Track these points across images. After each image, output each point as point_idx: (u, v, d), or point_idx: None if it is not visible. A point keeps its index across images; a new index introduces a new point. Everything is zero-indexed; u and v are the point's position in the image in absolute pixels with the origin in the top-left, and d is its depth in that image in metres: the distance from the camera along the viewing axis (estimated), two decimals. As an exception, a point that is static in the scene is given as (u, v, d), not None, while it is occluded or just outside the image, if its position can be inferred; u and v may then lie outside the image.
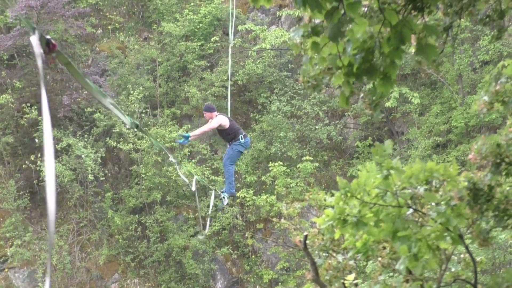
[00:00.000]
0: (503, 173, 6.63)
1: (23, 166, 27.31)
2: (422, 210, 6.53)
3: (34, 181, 27.32)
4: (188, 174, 15.77)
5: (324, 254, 9.02)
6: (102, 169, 27.64)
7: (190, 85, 29.68)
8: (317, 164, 27.65)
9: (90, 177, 26.72)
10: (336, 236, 6.78)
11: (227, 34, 31.11)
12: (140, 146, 27.47)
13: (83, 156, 26.81)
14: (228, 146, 16.65)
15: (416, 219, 6.52)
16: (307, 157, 27.28)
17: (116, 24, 32.22)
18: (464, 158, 23.95)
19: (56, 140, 27.13)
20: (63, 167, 26.66)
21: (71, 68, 4.15)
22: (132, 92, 28.26)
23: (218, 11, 31.18)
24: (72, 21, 28.91)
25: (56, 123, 27.83)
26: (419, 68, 28.58)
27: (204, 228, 18.93)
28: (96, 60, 30.58)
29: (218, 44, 30.76)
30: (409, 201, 6.44)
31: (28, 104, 27.39)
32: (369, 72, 4.94)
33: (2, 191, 27.20)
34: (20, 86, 27.99)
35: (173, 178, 27.28)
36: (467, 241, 7.51)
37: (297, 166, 27.46)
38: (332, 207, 6.54)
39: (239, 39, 30.21)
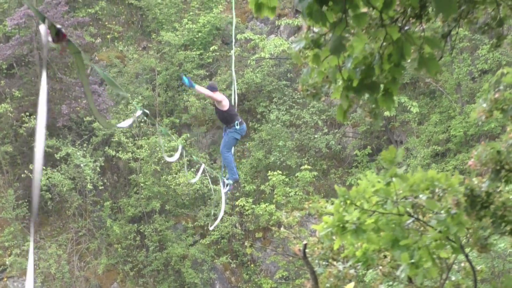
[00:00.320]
0: (503, 180, 6.63)
1: (22, 175, 27.28)
2: (423, 218, 6.53)
3: (33, 190, 27.25)
4: (195, 161, 15.86)
5: (324, 263, 9.02)
6: (101, 178, 27.64)
7: (189, 95, 29.70)
8: (316, 173, 27.64)
9: (89, 186, 26.73)
10: (335, 246, 6.79)
11: (226, 44, 31.19)
12: (139, 155, 27.47)
13: (82, 165, 26.81)
14: (224, 132, 16.66)
15: (417, 227, 6.52)
16: (306, 166, 27.28)
17: (115, 34, 32.26)
18: (463, 167, 23.94)
19: (55, 149, 27.16)
20: (62, 176, 26.66)
21: (79, 59, 4.20)
22: (131, 101, 28.26)
23: (217, 21, 31.21)
24: (71, 30, 28.94)
25: (55, 132, 27.86)
26: (418, 77, 28.62)
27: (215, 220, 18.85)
28: (95, 70, 30.53)
29: (217, 53, 30.80)
30: (410, 210, 6.44)
31: (27, 113, 27.42)
32: (370, 88, 4.94)
33: (1, 200, 27.17)
34: (19, 95, 28.00)
35: (172, 187, 27.28)
36: (467, 250, 7.51)
37: (296, 175, 27.45)
38: (332, 214, 6.54)
39: (238, 48, 30.24)
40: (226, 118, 16.34)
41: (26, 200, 27.34)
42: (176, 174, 27.58)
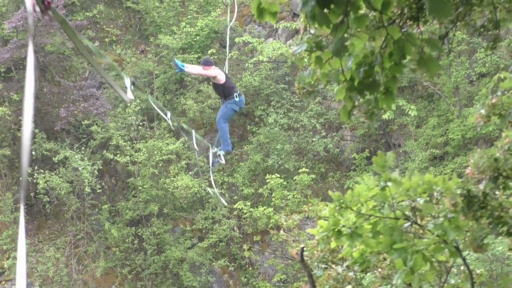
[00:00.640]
0: (501, 186, 6.63)
1: (20, 178, 27.27)
2: (420, 222, 6.53)
3: (31, 194, 27.30)
4: (186, 129, 15.79)
5: (323, 265, 9.02)
6: (99, 181, 27.64)
7: (187, 98, 29.72)
8: (314, 176, 27.66)
9: (87, 189, 26.72)
10: (332, 245, 6.79)
11: (224, 47, 31.18)
12: (137, 158, 27.49)
13: (80, 168, 26.80)
14: (222, 104, 16.64)
15: (415, 231, 6.52)
16: (304, 169, 27.28)
17: (113, 37, 32.26)
18: (461, 171, 23.92)
19: (53, 153, 27.17)
20: (60, 180, 26.66)
21: (66, 26, 4.28)
22: (129, 104, 28.27)
23: (215, 24, 31.22)
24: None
25: (53, 135, 27.88)
26: (416, 81, 28.63)
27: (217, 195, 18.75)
28: (93, 73, 30.60)
29: (215, 57, 30.80)
30: (408, 212, 6.44)
31: (25, 117, 27.38)
32: (370, 87, 4.96)
33: (-1, 203, 27.21)
34: (17, 98, 27.98)
35: (170, 190, 27.29)
36: (464, 253, 7.52)
37: (294, 178, 27.45)
38: (327, 218, 6.54)
39: (236, 52, 30.26)
40: (224, 91, 16.27)
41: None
42: (174, 177, 27.58)
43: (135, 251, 27.61)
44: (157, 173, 27.68)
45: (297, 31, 30.26)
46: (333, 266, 8.88)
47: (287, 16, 31.84)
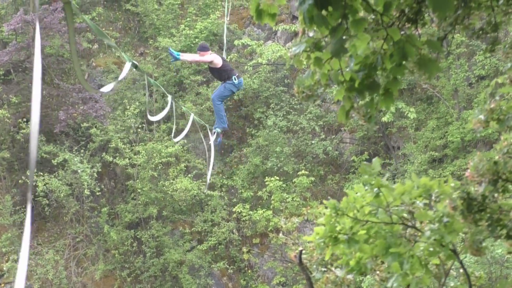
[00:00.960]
0: (500, 190, 6.63)
1: (19, 181, 27.30)
2: (417, 225, 6.53)
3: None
4: (185, 111, 15.85)
5: (322, 268, 9.02)
6: (98, 184, 27.64)
7: (186, 100, 29.71)
8: (313, 179, 27.65)
9: (86, 192, 26.72)
10: (327, 257, 6.79)
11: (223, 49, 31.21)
12: (136, 161, 27.48)
13: (79, 171, 26.80)
14: (221, 84, 16.68)
15: (413, 234, 6.52)
16: (303, 172, 27.28)
17: (112, 40, 32.25)
18: (461, 173, 23.94)
19: (52, 155, 27.16)
20: (59, 182, 26.66)
21: (69, 9, 4.29)
22: (128, 107, 28.29)
23: (214, 26, 31.23)
24: (68, 36, 28.91)
25: (52, 138, 27.87)
26: (416, 83, 28.64)
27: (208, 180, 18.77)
28: (92, 75, 30.62)
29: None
30: (406, 215, 6.44)
31: (24, 119, 27.43)
32: (371, 87, 4.96)
33: (-2, 206, 27.20)
34: (16, 101, 27.97)
35: (169, 193, 27.29)
36: (462, 256, 7.52)
37: (293, 181, 27.45)
38: (323, 225, 6.55)
39: (235, 54, 30.27)
40: (222, 74, 16.30)
41: (23, 206, 27.32)
42: (174, 180, 27.59)
43: (134, 254, 27.61)
44: (156, 175, 27.68)
45: (296, 34, 30.27)
46: (332, 269, 8.87)
47: (286, 19, 31.88)
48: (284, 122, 29.17)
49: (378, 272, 7.95)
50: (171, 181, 27.56)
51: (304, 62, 5.24)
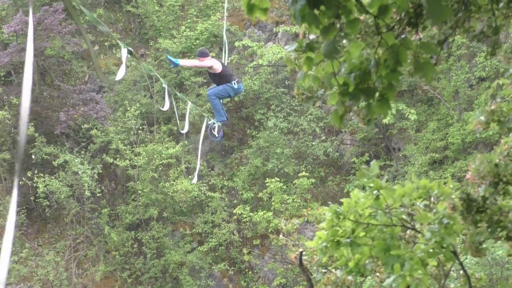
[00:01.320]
0: (501, 192, 6.64)
1: (20, 182, 27.28)
2: (417, 227, 6.53)
3: (31, 198, 27.29)
4: (180, 97, 15.84)
5: (323, 270, 9.02)
6: (99, 185, 27.64)
7: (185, 102, 29.67)
8: (313, 180, 27.64)
9: (87, 193, 26.72)
10: (324, 259, 6.80)
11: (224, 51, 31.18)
12: (137, 162, 27.48)
13: (80, 172, 26.80)
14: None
15: (410, 236, 6.53)
16: (304, 173, 27.27)
17: (113, 41, 32.25)
18: (461, 175, 23.93)
19: (53, 157, 27.16)
20: (59, 184, 26.66)
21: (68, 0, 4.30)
22: (129, 108, 28.28)
23: (215, 28, 31.20)
24: (68, 37, 28.96)
25: (53, 139, 27.88)
26: (416, 85, 28.64)
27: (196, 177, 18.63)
28: (93, 77, 30.62)
29: (215, 60, 30.78)
30: (405, 216, 6.45)
31: (25, 121, 27.39)
32: (365, 93, 4.94)
33: (-1, 207, 27.19)
34: (17, 102, 27.96)
35: (170, 194, 27.28)
36: (462, 257, 7.52)
37: (294, 182, 27.44)
38: (325, 229, 6.56)
39: (236, 56, 30.26)
40: (222, 79, 16.26)
41: (24, 207, 27.31)
42: (174, 181, 27.59)
43: (134, 255, 27.61)
44: (156, 177, 27.68)
45: (296, 35, 30.25)
46: (332, 270, 8.88)
47: (287, 20, 31.88)
48: (285, 123, 29.16)
49: (378, 273, 7.95)
50: (172, 182, 27.56)
51: (296, 62, 5.23)
